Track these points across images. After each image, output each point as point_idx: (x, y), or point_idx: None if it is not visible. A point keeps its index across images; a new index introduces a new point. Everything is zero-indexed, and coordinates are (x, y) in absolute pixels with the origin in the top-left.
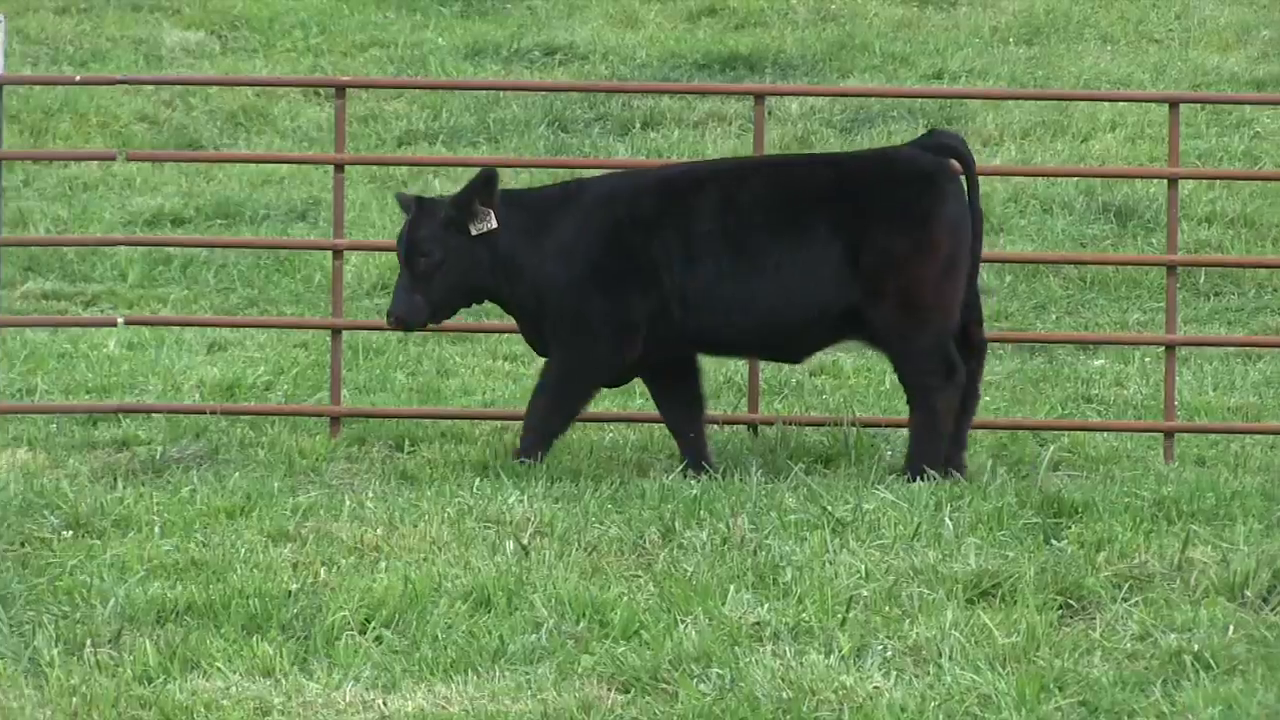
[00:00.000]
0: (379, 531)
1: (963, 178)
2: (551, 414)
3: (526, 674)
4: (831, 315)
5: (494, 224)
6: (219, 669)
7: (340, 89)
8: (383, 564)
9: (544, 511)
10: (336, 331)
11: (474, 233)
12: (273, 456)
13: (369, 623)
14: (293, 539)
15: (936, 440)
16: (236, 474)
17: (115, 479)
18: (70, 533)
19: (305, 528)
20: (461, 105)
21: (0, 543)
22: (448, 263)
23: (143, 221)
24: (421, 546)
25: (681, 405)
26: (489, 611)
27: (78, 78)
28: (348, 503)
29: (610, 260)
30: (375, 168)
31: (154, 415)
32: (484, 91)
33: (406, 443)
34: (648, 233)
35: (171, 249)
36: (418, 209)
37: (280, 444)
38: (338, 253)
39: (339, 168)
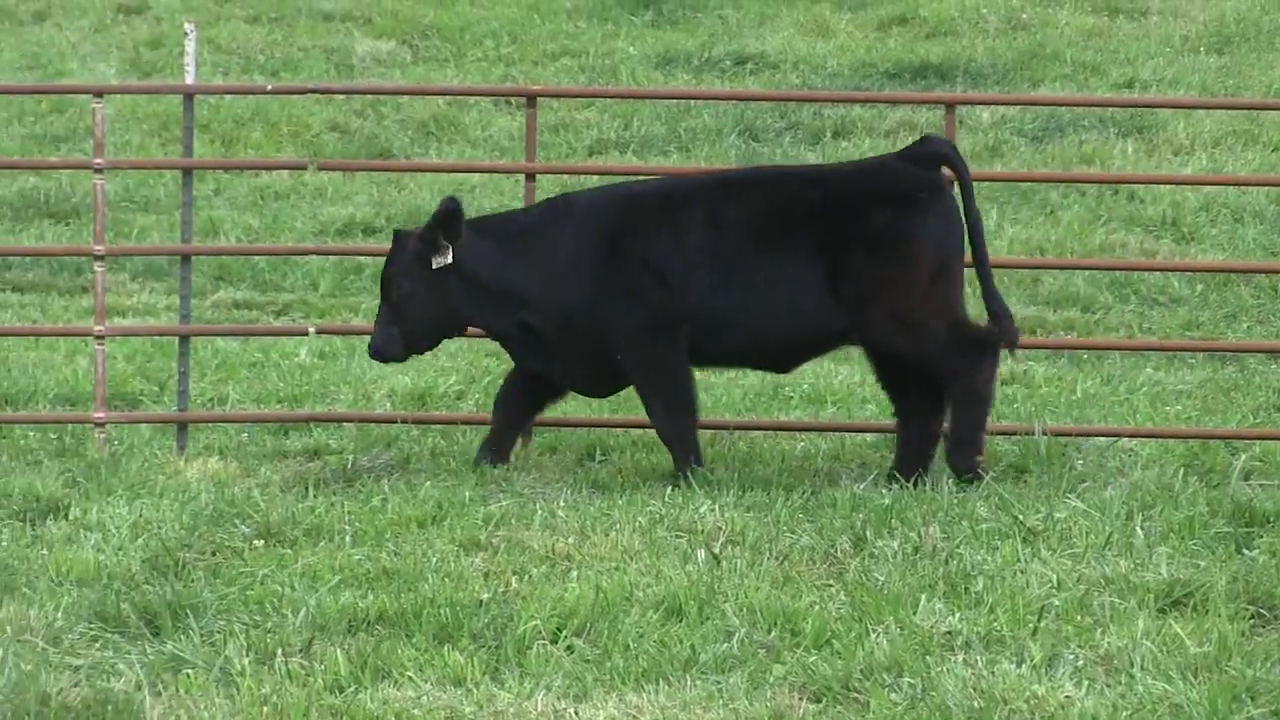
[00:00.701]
0: (570, 540)
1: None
2: (675, 418)
3: (718, 683)
4: (819, 333)
5: (449, 259)
6: (410, 678)
7: (531, 98)
8: (574, 573)
9: (735, 520)
10: None
11: (434, 266)
12: (464, 465)
13: (560, 632)
14: (484, 548)
15: (978, 410)
16: (428, 483)
17: (307, 488)
18: (262, 542)
19: (496, 537)
20: (652, 114)
21: (192, 552)
22: (418, 295)
23: (334, 230)
24: (613, 555)
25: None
26: (680, 620)
27: (269, 87)
28: (539, 512)
29: (619, 270)
30: (566, 177)
31: (345, 424)
32: (675, 101)
33: (597, 451)
34: (645, 244)
35: (363, 258)
36: (393, 242)
37: (471, 453)
38: None
39: (530, 176)
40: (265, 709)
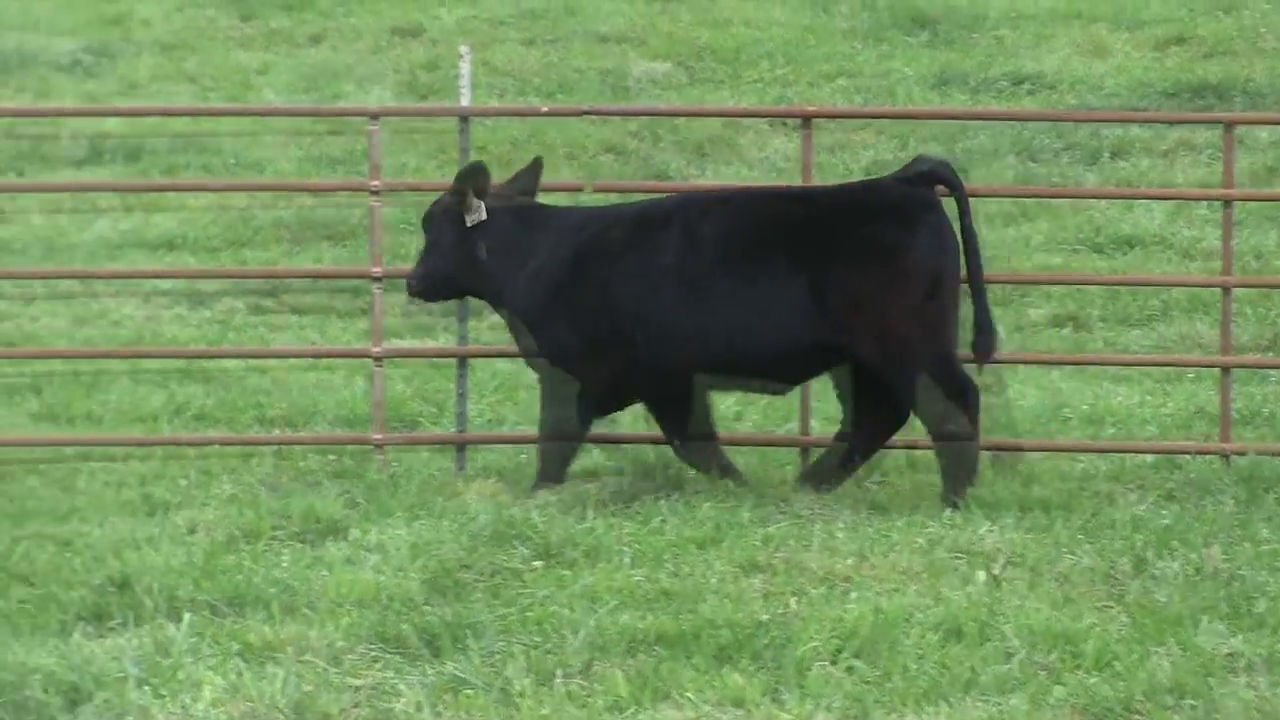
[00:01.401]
0: (849, 561)
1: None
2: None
3: (998, 704)
4: (807, 348)
5: (483, 215)
6: (690, 699)
7: (807, 119)
8: (853, 594)
9: (1015, 542)
10: None
11: (468, 222)
12: (741, 487)
13: (840, 653)
14: (763, 569)
15: (966, 460)
16: (706, 504)
17: (585, 509)
18: (541, 563)
19: (775, 558)
20: (929, 134)
21: (471, 573)
22: (443, 245)
23: None
24: (892, 576)
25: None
26: (960, 641)
27: (544, 109)
28: (818, 533)
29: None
30: None
31: (623, 445)
32: (951, 121)
33: (875, 472)
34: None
35: None
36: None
37: (750, 474)
38: None
39: None
40: None
